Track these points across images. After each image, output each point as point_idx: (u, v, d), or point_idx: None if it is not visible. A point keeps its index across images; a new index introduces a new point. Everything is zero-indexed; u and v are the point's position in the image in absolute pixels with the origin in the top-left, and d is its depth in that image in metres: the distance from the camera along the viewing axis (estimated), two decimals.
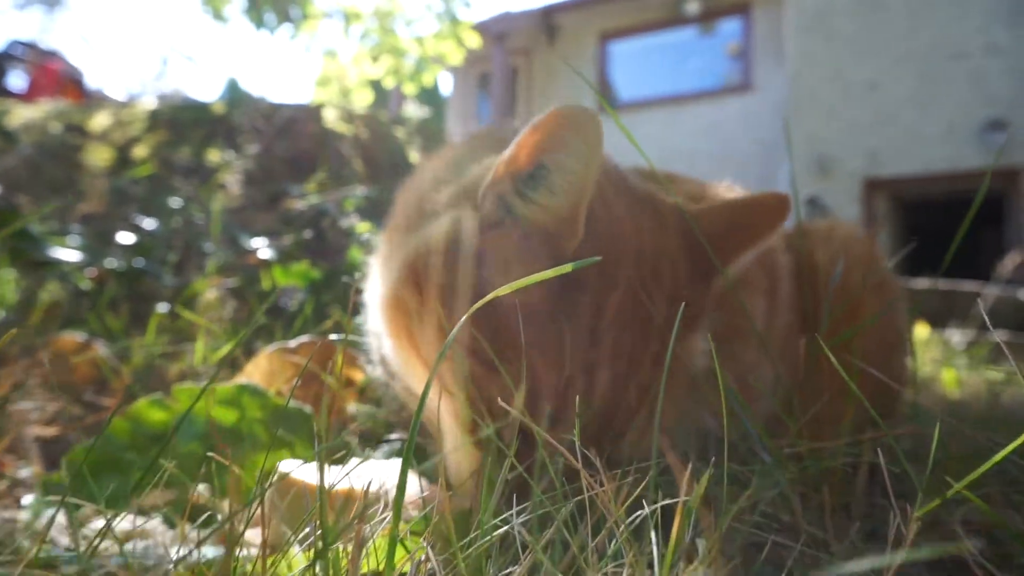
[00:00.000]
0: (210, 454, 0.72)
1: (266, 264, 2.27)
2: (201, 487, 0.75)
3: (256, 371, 1.01)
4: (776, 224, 0.71)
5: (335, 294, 2.23)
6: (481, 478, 0.57)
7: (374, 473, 0.70)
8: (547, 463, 0.54)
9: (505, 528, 0.47)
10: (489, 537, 0.47)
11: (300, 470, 0.65)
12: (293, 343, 1.06)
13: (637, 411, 0.65)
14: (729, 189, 1.14)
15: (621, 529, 0.43)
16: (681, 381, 0.69)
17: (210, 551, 0.59)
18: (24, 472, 0.79)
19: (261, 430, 0.86)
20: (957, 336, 4.21)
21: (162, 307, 2.15)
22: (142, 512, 0.70)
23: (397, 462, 0.76)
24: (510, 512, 0.48)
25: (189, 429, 0.82)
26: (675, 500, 0.44)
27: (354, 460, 0.76)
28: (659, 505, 0.45)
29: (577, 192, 0.64)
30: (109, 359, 1.06)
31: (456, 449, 0.68)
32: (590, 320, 0.63)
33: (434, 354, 0.68)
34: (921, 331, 4.11)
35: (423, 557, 0.47)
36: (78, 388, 1.28)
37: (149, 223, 2.05)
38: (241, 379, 0.98)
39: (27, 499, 0.67)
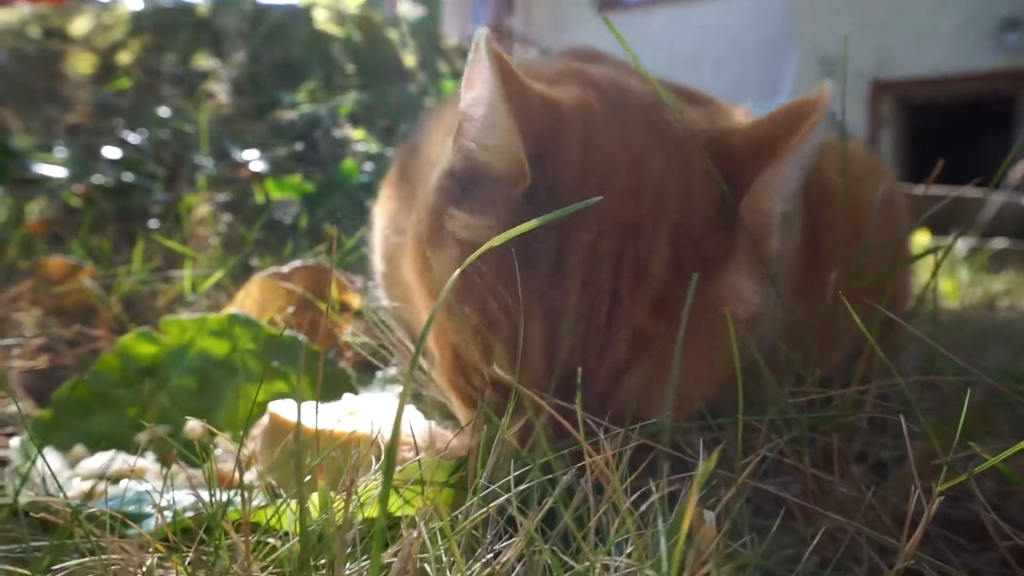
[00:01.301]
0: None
1: (258, 177, 2.22)
2: (194, 423, 0.74)
3: (248, 299, 0.98)
4: (800, 126, 0.59)
5: (330, 207, 2.19)
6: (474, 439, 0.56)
7: (367, 410, 0.69)
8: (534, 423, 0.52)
9: (499, 502, 0.46)
10: (481, 511, 0.45)
11: (290, 409, 0.64)
12: (286, 268, 1.04)
13: (630, 363, 0.56)
14: (747, 115, 1.10)
15: (623, 509, 0.40)
16: (708, 332, 0.57)
17: (202, 495, 0.58)
18: (12, 408, 0.78)
19: (254, 361, 0.84)
20: (960, 243, 4.19)
21: (153, 223, 2.11)
22: (134, 451, 0.70)
23: (392, 394, 0.74)
24: (503, 482, 0.46)
25: (180, 362, 0.81)
26: (682, 476, 0.42)
27: (347, 396, 0.74)
28: (665, 482, 0.42)
29: (504, 129, 0.59)
30: (95, 288, 1.04)
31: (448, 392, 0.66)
32: (550, 258, 0.56)
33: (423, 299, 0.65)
34: (922, 239, 4.08)
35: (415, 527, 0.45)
36: (68, 313, 1.26)
37: (135, 137, 1.99)
38: (232, 309, 0.96)
39: (15, 441, 0.66)
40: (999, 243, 4.44)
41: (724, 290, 0.59)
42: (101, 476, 0.64)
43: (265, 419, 0.65)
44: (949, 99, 7.66)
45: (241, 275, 1.35)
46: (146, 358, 0.80)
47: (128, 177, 1.94)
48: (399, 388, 0.89)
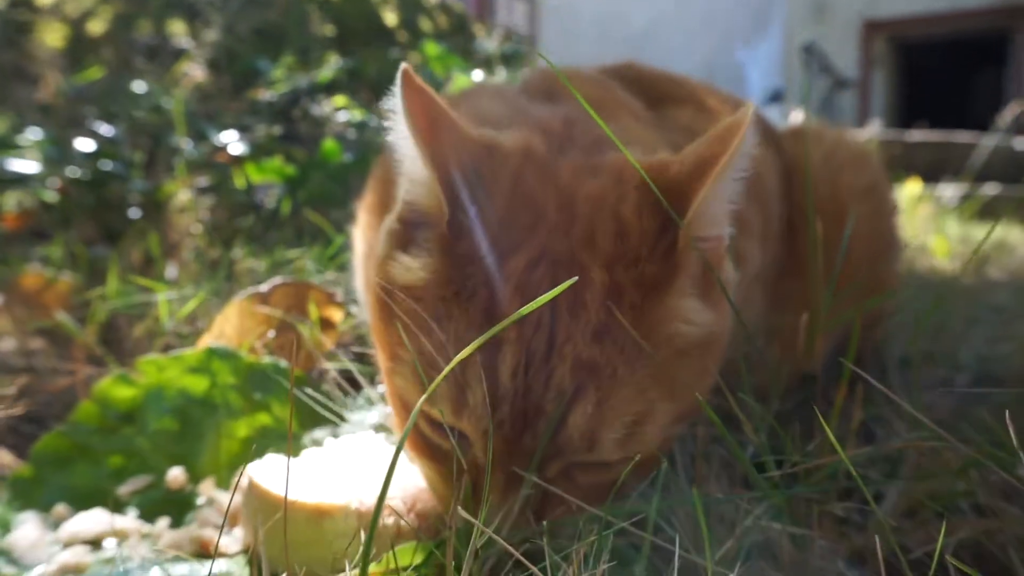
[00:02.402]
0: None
1: (238, 160, 2.17)
2: (175, 471, 0.74)
3: (226, 324, 0.97)
4: (726, 147, 0.57)
5: (311, 191, 2.15)
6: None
7: (348, 459, 0.68)
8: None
9: None
10: None
11: (269, 474, 0.63)
12: (265, 287, 1.02)
13: (577, 393, 0.54)
14: (710, 93, 1.07)
15: None
16: (659, 352, 0.57)
17: (183, 568, 0.58)
18: None
19: (235, 396, 0.83)
20: (950, 191, 4.17)
21: (134, 212, 2.08)
22: (116, 507, 0.69)
23: (370, 440, 0.74)
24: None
25: (159, 404, 0.80)
26: None
27: (328, 442, 0.74)
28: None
29: (422, 165, 0.59)
30: (70, 322, 1.02)
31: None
32: (484, 293, 0.56)
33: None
34: (913, 187, 4.07)
35: None
36: (47, 331, 1.25)
37: (108, 128, 1.93)
38: (209, 339, 0.95)
39: None
40: (991, 188, 4.42)
41: (667, 314, 0.58)
42: (83, 541, 0.64)
43: (245, 482, 0.64)
44: (942, 37, 7.52)
45: (225, 288, 1.33)
46: (124, 402, 0.79)
47: (106, 165, 1.90)
48: (383, 409, 0.88)
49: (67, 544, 0.64)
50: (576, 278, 0.50)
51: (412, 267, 0.60)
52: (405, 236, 0.64)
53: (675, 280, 0.58)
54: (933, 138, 5.03)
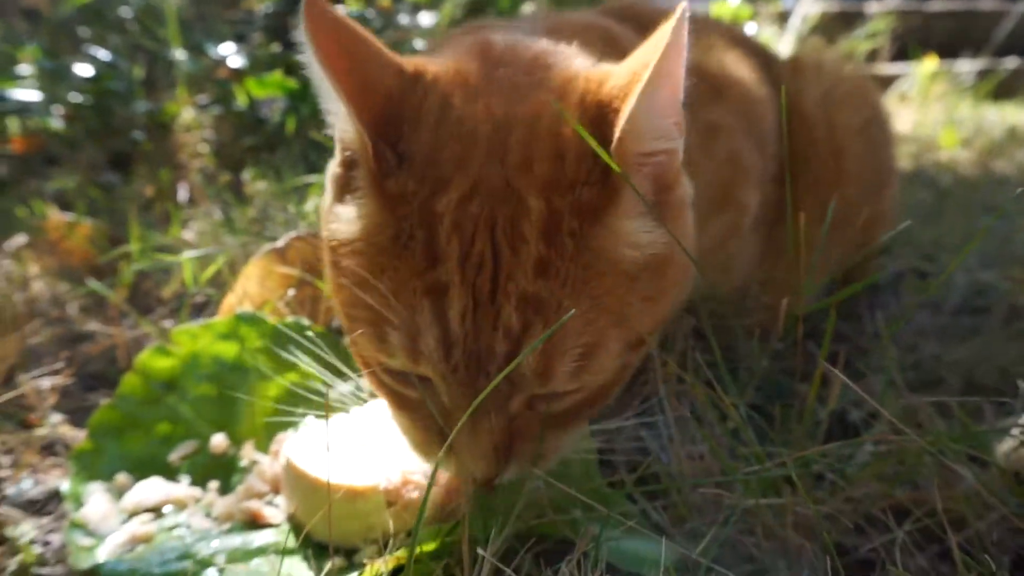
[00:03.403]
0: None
1: (238, 75, 2.15)
2: (218, 438, 0.82)
3: (248, 282, 1.02)
4: (655, 52, 0.54)
5: (315, 104, 2.14)
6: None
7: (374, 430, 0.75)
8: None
9: None
10: None
11: (306, 454, 0.70)
12: (281, 242, 1.06)
13: (525, 331, 0.54)
14: None
15: None
16: (605, 281, 0.56)
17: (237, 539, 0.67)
18: (53, 420, 0.86)
19: (263, 358, 0.90)
20: (968, 66, 4.04)
21: (138, 135, 2.08)
22: (169, 473, 0.78)
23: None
24: None
25: (195, 372, 0.86)
26: None
27: (354, 411, 0.81)
28: None
29: (342, 106, 0.55)
30: (100, 287, 1.07)
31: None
32: (422, 236, 0.54)
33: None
34: (928, 65, 3.94)
35: None
36: (75, 271, 1.31)
37: (105, 53, 1.90)
38: (232, 298, 1.00)
39: (65, 486, 0.74)
40: (1011, 63, 4.27)
41: (610, 239, 0.57)
42: (146, 509, 0.73)
43: (283, 459, 0.72)
44: None
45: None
46: (164, 372, 0.85)
47: (116, 86, 1.88)
48: None
49: (132, 513, 0.72)
50: None
51: (349, 218, 0.59)
52: (345, 181, 0.61)
53: (616, 202, 0.56)
54: (954, 6, 4.78)
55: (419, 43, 2.42)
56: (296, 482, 0.69)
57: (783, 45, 3.69)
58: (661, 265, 0.60)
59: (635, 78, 0.56)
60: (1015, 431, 0.72)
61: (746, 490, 0.63)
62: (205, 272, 1.03)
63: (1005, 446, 0.73)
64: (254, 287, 1.02)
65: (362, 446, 0.72)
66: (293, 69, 2.21)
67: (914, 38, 4.14)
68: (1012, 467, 0.68)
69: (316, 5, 0.55)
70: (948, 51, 4.23)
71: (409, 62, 0.61)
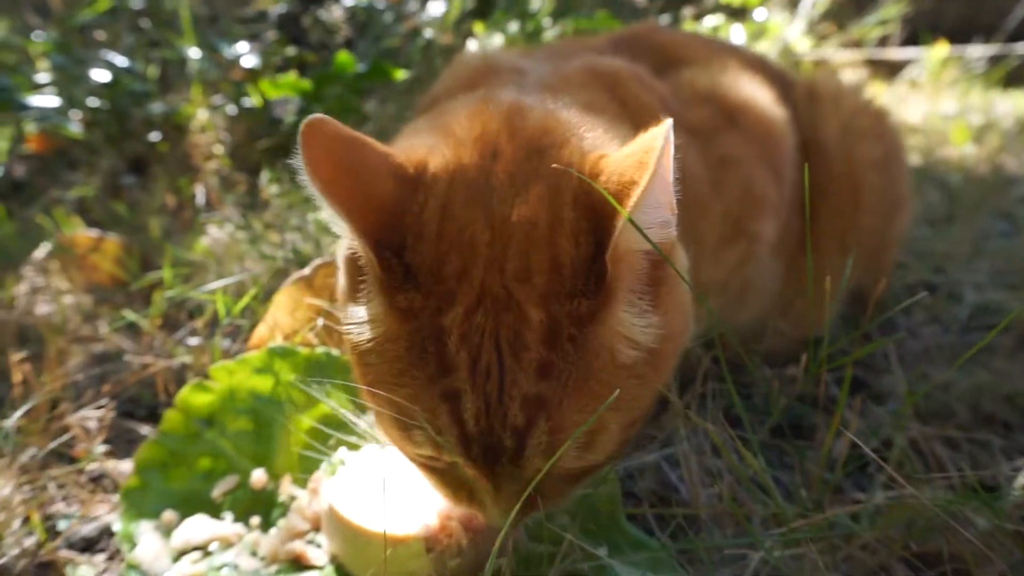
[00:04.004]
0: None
1: (252, 75, 2.16)
2: (258, 473, 0.85)
3: (278, 311, 1.05)
4: (648, 164, 0.56)
5: (329, 105, 2.15)
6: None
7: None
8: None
9: None
10: None
11: (347, 499, 0.74)
12: (308, 270, 1.09)
13: (529, 428, 0.58)
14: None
15: None
16: (604, 376, 0.60)
17: None
18: (99, 450, 0.89)
19: (296, 391, 0.93)
20: (979, 52, 4.01)
21: (155, 136, 2.10)
22: (213, 510, 0.81)
23: None
24: None
25: (233, 407, 0.90)
26: None
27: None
28: None
29: (345, 227, 0.58)
30: (134, 316, 1.10)
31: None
32: (435, 349, 0.58)
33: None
34: (938, 52, 3.92)
35: None
36: (102, 289, 1.34)
37: (122, 60, 1.92)
38: (264, 329, 1.03)
39: (117, 526, 0.78)
40: (1022, 48, 4.24)
41: (607, 339, 0.60)
42: (194, 548, 0.77)
43: (325, 504, 0.75)
44: None
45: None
46: (204, 408, 0.89)
47: (133, 86, 1.90)
48: None
49: (181, 552, 0.76)
50: None
51: (364, 322, 0.61)
52: (354, 280, 0.64)
53: (612, 306, 0.59)
54: None
55: (429, 32, 2.43)
56: (338, 527, 0.72)
57: (793, 31, 3.67)
58: (657, 351, 0.63)
59: (626, 191, 0.58)
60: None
61: (765, 550, 0.67)
62: (237, 306, 1.06)
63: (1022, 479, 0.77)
64: (284, 317, 1.05)
65: (398, 486, 0.76)
66: (306, 69, 2.23)
67: (925, 23, 4.11)
68: None
69: (314, 127, 0.56)
70: (959, 37, 4.20)
71: (410, 160, 0.62)
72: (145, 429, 0.99)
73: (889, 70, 4.06)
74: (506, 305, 0.58)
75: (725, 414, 0.93)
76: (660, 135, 0.57)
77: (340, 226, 0.60)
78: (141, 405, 1.05)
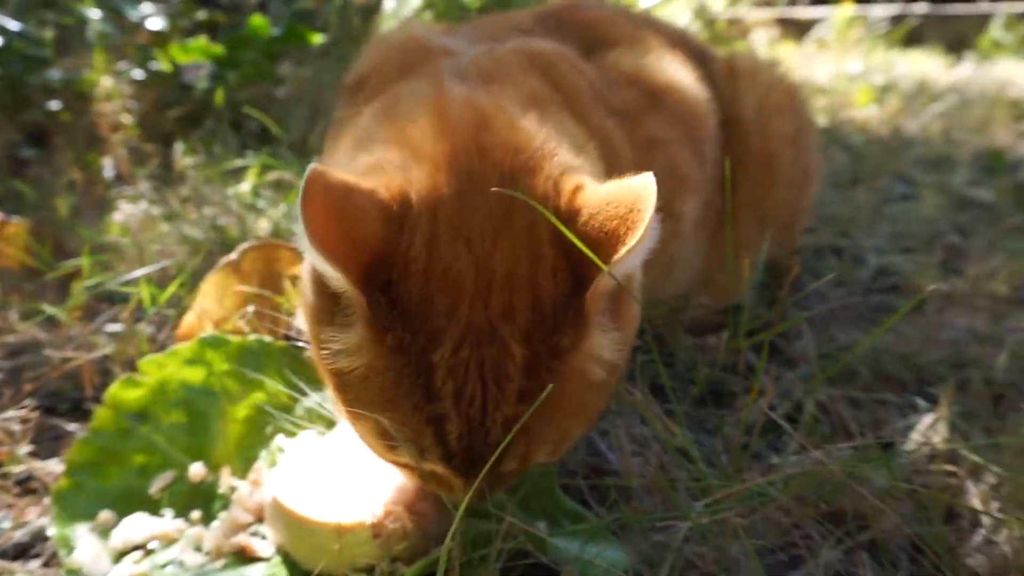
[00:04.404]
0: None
1: (159, 39, 2.05)
2: (196, 467, 0.85)
3: (206, 299, 1.03)
4: (640, 224, 0.60)
5: (244, 72, 2.08)
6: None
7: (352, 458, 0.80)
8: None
9: None
10: None
11: (292, 490, 0.75)
12: (235, 254, 1.07)
13: (511, 443, 0.62)
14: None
15: None
16: (572, 394, 0.65)
17: None
18: (22, 451, 0.87)
19: (231, 381, 0.93)
20: (882, 12, 4.17)
21: (55, 105, 1.99)
22: (151, 507, 0.81)
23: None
24: None
25: (165, 399, 0.89)
26: None
27: (331, 437, 0.85)
28: None
29: (324, 265, 0.59)
30: (53, 310, 1.06)
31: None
32: (421, 381, 0.61)
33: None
34: (844, 11, 4.07)
35: None
36: (11, 274, 1.28)
37: (15, 24, 1.79)
38: (192, 317, 1.02)
39: (52, 531, 0.77)
40: (920, 8, 4.44)
41: (581, 365, 0.64)
42: (135, 547, 0.76)
43: (268, 497, 0.76)
44: None
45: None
46: (135, 403, 0.87)
47: (27, 50, 1.78)
48: None
49: (122, 553, 0.76)
50: None
51: (347, 350, 0.63)
52: (331, 302, 0.64)
53: (587, 337, 0.63)
54: None
55: None
56: (283, 518, 0.74)
57: None
58: (617, 364, 0.68)
59: (610, 243, 0.60)
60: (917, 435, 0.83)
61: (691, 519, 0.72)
62: (162, 295, 1.04)
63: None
64: (212, 304, 1.03)
65: (340, 474, 0.78)
66: (218, 32, 2.13)
67: None
68: None
69: (316, 183, 0.58)
70: None
71: (391, 193, 0.63)
72: (71, 426, 0.96)
73: (799, 29, 4.19)
74: (490, 340, 0.61)
75: (651, 385, 0.98)
76: (647, 193, 0.60)
77: (327, 271, 0.60)
78: (63, 399, 1.02)
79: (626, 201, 0.62)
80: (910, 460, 0.81)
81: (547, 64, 0.92)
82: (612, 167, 0.77)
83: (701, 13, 3.65)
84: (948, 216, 1.67)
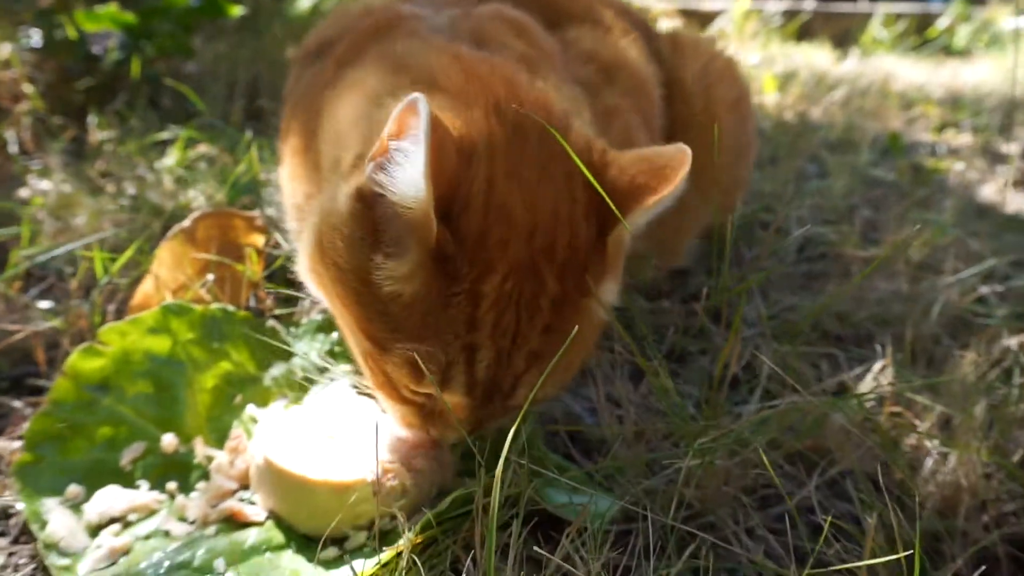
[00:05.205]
0: None
1: (63, 4, 1.92)
2: (168, 437, 0.81)
3: (161, 267, 0.98)
4: (673, 180, 0.67)
5: (160, 44, 1.97)
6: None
7: (338, 419, 0.79)
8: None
9: None
10: None
11: (281, 449, 0.73)
12: (187, 221, 1.03)
13: (524, 373, 0.68)
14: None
15: None
16: (587, 332, 0.72)
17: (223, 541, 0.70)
18: None
19: (197, 350, 0.89)
20: (775, 6, 4.40)
21: None
22: (124, 479, 0.77)
23: (346, 392, 0.84)
24: None
25: (129, 369, 0.84)
26: None
27: (311, 396, 0.84)
28: None
29: (420, 192, 0.61)
30: None
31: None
32: (467, 309, 0.64)
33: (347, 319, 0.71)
34: (742, 4, 4.26)
35: None
36: None
37: None
38: (148, 285, 0.97)
39: (20, 505, 0.72)
40: (809, 4, 4.70)
41: (596, 307, 0.72)
42: (112, 520, 0.73)
43: (259, 459, 0.74)
44: None
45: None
46: (96, 373, 0.82)
47: None
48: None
49: (99, 526, 0.72)
50: None
51: (396, 277, 0.65)
52: (371, 223, 0.66)
53: (605, 280, 0.71)
54: None
55: None
56: (278, 480, 0.72)
57: None
58: (611, 310, 0.76)
59: (640, 195, 0.68)
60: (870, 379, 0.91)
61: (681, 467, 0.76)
62: (116, 263, 0.98)
63: None
64: (167, 273, 0.99)
65: (327, 437, 0.76)
66: (129, 1, 2.01)
67: None
68: None
69: (429, 111, 0.59)
70: None
71: (462, 135, 0.66)
72: (16, 403, 0.90)
73: (701, 20, 4.35)
74: (531, 273, 0.66)
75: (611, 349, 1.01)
76: (684, 156, 0.68)
77: (409, 187, 0.61)
78: (4, 377, 0.94)
79: (660, 161, 0.69)
80: (864, 402, 0.87)
81: (522, 29, 0.94)
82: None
83: None
84: (859, 192, 1.79)
